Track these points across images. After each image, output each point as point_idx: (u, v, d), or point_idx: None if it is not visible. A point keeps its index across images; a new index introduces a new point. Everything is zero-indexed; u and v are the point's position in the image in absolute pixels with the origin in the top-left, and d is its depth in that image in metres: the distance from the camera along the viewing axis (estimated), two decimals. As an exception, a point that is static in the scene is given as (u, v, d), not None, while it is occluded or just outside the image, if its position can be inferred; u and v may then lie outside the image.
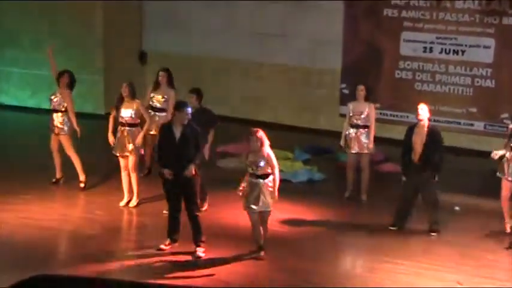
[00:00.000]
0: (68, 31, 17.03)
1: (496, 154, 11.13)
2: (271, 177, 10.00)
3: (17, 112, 17.45)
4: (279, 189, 10.09)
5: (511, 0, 14.74)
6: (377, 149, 12.96)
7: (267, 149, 9.99)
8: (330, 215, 11.90)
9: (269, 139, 10.07)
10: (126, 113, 11.75)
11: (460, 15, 15.21)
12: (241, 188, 10.10)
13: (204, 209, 11.32)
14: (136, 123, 11.82)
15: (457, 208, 12.20)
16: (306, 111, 16.51)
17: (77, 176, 12.50)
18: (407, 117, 14.96)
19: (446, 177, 12.23)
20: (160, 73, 13.13)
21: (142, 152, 12.34)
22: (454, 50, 15.32)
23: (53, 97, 12.51)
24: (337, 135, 12.79)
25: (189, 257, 10.04)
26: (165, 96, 12.97)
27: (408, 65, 15.72)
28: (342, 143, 12.47)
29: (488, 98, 15.05)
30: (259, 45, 16.78)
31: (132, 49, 17.66)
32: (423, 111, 11.10)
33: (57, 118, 12.42)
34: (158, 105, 13.02)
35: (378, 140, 12.76)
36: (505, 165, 10.97)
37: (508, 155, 10.97)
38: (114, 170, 12.35)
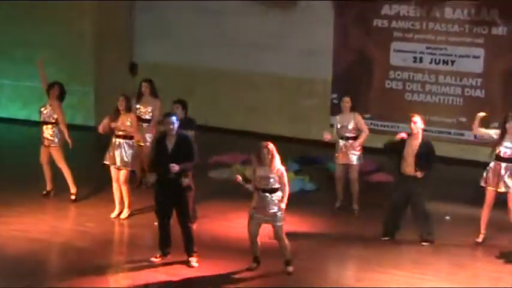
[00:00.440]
0: (59, 43, 17.03)
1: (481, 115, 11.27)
2: (279, 193, 9.79)
3: (8, 124, 17.45)
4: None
5: (500, 10, 14.81)
6: (368, 159, 13.00)
7: (278, 164, 9.76)
8: (321, 224, 11.92)
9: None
10: (122, 125, 11.74)
11: (449, 25, 15.27)
12: (238, 176, 9.94)
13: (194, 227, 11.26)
14: (132, 136, 11.82)
15: (447, 217, 12.22)
16: (297, 121, 16.52)
17: (67, 188, 12.47)
18: (398, 127, 14.97)
19: (437, 186, 12.27)
20: (143, 84, 13.16)
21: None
22: (444, 60, 15.38)
23: (42, 109, 12.48)
24: (328, 146, 12.79)
25: (181, 268, 10.02)
26: (150, 107, 13.00)
27: (398, 75, 15.76)
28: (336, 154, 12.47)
29: (478, 108, 14.96)
30: (250, 55, 16.77)
31: (122, 60, 17.64)
32: (417, 124, 11.09)
33: (47, 130, 12.40)
34: (144, 116, 13.04)
35: (368, 150, 12.78)
36: (490, 175, 11.02)
37: (491, 164, 11.04)
38: (105, 182, 12.32)
